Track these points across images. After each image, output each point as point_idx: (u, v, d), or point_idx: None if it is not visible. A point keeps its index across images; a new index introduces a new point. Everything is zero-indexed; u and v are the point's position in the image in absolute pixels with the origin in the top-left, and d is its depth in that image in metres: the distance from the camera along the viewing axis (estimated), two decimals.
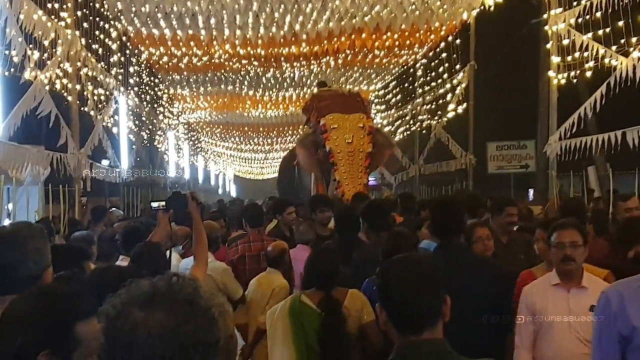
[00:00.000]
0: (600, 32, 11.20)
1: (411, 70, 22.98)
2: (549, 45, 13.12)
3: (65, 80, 13.02)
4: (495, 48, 21.84)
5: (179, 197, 5.37)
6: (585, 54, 11.71)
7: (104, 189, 17.99)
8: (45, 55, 11.81)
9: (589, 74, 11.62)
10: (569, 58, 12.30)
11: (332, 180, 13.00)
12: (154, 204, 5.47)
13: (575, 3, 12.02)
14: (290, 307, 4.97)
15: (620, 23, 10.71)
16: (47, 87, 11.66)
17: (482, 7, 16.51)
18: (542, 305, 4.60)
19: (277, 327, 5.04)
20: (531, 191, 17.06)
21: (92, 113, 14.89)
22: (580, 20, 11.93)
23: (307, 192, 15.25)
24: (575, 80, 12.24)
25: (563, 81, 12.59)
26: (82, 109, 14.34)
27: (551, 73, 13.00)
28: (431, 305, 2.45)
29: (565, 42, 12.21)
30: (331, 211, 7.81)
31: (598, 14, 11.35)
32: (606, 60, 10.94)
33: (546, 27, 13.19)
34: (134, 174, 19.60)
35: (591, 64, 11.42)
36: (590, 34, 11.54)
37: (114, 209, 16.04)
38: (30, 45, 10.91)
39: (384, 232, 6.13)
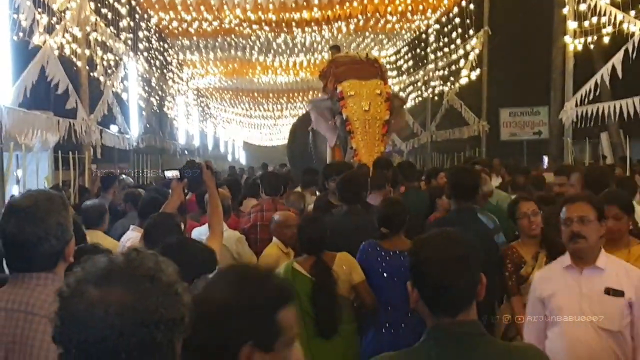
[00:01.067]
0: None
1: (423, 35, 22.66)
2: (565, 10, 12.83)
3: (74, 45, 12.85)
4: (509, 13, 21.48)
5: (193, 166, 5.26)
6: (602, 20, 11.46)
7: (113, 155, 17.89)
8: (54, 19, 11.64)
9: (606, 39, 11.37)
10: (586, 24, 12.05)
11: (349, 149, 12.86)
12: (168, 174, 5.34)
13: None
14: (283, 274, 5.11)
15: None
16: (56, 52, 11.50)
17: None
18: (552, 290, 4.14)
19: None
20: (545, 158, 16.83)
21: (101, 79, 14.72)
22: None
23: (322, 159, 15.08)
24: (592, 47, 11.97)
25: (580, 47, 12.34)
26: (91, 74, 14.18)
27: (567, 39, 12.74)
28: (467, 286, 2.33)
29: (583, 7, 11.94)
30: None
31: None
32: (624, 26, 10.68)
33: None
34: (143, 141, 19.42)
35: (609, 29, 11.16)
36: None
37: (124, 176, 15.96)
38: (39, 9, 10.75)
39: (354, 204, 6.33)
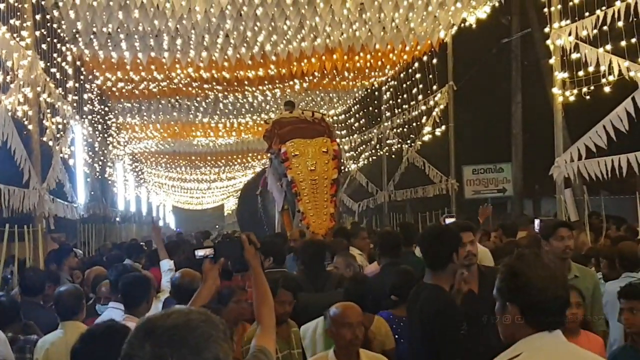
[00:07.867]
0: (623, 44, 10.40)
1: (376, 92, 21.97)
2: (552, 61, 12.30)
3: (25, 107, 11.51)
4: (468, 68, 21.12)
5: (232, 241, 4.24)
6: (590, 69, 10.95)
7: (60, 226, 16.37)
8: (9, 78, 10.38)
9: (607, 89, 10.74)
10: (566, 74, 11.64)
11: (297, 212, 12.21)
12: (200, 252, 4.24)
13: (586, 14, 11.20)
14: (324, 327, 5.38)
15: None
16: (9, 114, 10.22)
17: (460, 26, 15.74)
18: None
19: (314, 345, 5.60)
20: (537, 221, 16.10)
21: (50, 143, 13.34)
22: (584, 33, 11.18)
23: (272, 224, 14.46)
24: (587, 97, 11.35)
25: (572, 98, 11.75)
26: (41, 138, 12.84)
27: (555, 90, 12.15)
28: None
29: (575, 56, 11.37)
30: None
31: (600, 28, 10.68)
32: (632, 74, 10.05)
33: (548, 42, 12.37)
34: (89, 209, 17.94)
35: (611, 78, 10.55)
36: (604, 47, 10.74)
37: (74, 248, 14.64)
38: None
39: None
